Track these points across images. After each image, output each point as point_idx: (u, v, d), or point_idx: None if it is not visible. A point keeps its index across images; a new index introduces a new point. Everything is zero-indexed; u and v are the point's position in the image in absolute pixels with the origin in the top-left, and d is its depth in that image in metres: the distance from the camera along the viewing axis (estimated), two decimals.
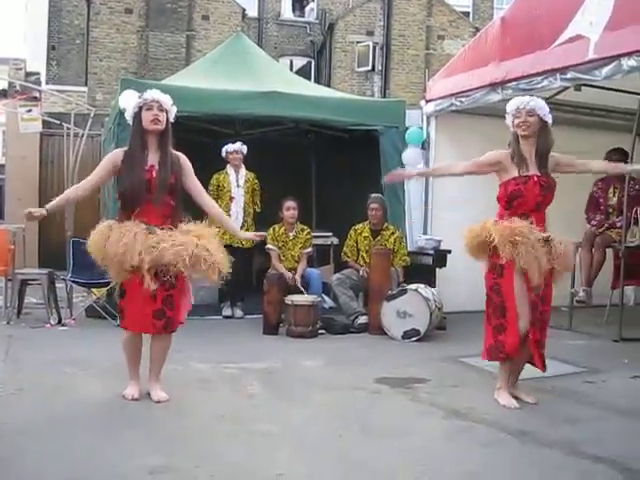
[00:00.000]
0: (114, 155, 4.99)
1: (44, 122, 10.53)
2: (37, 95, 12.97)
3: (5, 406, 4.70)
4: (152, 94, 4.88)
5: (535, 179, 4.85)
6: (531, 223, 4.82)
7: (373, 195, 8.29)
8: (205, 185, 8.31)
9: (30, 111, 10.15)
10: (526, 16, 7.20)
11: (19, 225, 10.37)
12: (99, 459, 3.79)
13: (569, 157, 5.09)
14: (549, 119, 4.93)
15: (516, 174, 4.87)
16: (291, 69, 21.96)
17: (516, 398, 5.01)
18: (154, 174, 4.78)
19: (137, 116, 4.88)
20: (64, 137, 10.43)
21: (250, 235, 5.90)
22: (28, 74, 22.01)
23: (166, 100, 4.92)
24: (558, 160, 5.00)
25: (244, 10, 23.64)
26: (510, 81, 7.29)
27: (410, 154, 8.80)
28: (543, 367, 5.03)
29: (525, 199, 4.84)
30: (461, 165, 5.30)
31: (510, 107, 4.97)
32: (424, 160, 8.88)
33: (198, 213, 5.04)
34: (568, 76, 6.63)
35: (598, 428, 4.53)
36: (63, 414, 4.56)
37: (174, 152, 4.95)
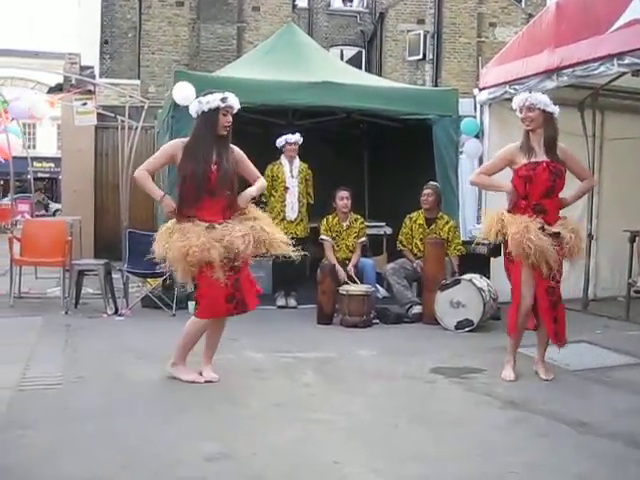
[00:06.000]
0: (173, 146, 5.15)
1: (99, 115, 10.64)
2: (92, 88, 13.16)
3: (67, 393, 4.81)
4: (233, 101, 5.01)
5: (544, 165, 5.15)
6: (545, 214, 5.13)
7: (429, 183, 8.24)
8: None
9: (85, 104, 10.28)
10: (581, 1, 7.06)
11: (76, 217, 10.59)
12: (155, 445, 3.86)
13: (576, 160, 5.43)
14: (553, 109, 5.20)
15: (526, 162, 5.18)
16: (341, 59, 21.93)
17: (535, 372, 5.43)
18: (215, 169, 4.93)
19: (212, 115, 4.95)
20: (118, 130, 10.57)
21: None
22: (82, 68, 22.35)
23: (238, 105, 5.07)
24: (565, 153, 5.26)
25: (294, 1, 23.69)
26: (565, 67, 7.15)
27: (471, 146, 8.74)
28: (557, 341, 5.30)
29: (536, 184, 5.13)
30: (486, 178, 5.49)
31: (514, 105, 5.29)
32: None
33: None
34: (626, 61, 6.49)
35: None
36: (120, 401, 4.66)
37: (231, 146, 5.11)
